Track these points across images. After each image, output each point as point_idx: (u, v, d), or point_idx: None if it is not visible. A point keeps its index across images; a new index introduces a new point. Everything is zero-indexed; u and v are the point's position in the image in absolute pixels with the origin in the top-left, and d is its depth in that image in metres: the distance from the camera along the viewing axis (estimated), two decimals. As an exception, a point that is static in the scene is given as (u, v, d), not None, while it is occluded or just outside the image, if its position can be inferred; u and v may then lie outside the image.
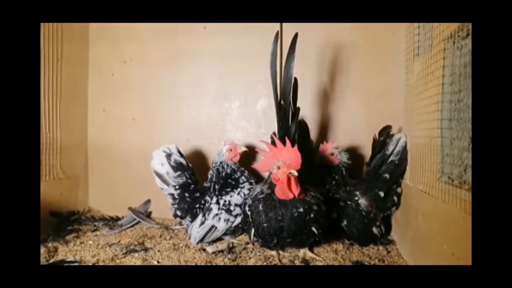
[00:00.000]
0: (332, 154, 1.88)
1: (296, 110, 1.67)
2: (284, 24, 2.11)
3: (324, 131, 2.15)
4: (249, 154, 2.22)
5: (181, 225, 2.09)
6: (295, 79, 1.63)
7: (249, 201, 1.63)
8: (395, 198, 1.74)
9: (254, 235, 1.63)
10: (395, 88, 1.92)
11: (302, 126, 1.95)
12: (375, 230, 1.77)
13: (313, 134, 2.10)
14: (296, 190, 1.47)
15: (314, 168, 1.89)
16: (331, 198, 1.78)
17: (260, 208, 1.53)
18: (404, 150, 1.71)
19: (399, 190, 1.75)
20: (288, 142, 1.48)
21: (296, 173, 1.42)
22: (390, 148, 1.75)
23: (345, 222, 1.77)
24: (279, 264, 1.58)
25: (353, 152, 2.05)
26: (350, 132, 2.11)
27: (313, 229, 1.53)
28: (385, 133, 1.78)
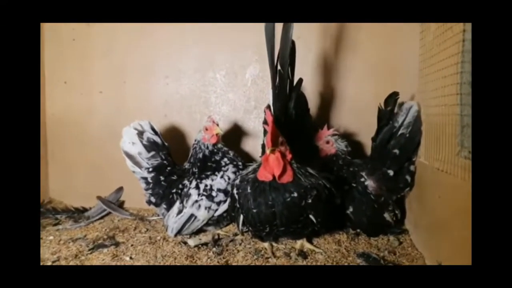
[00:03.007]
0: (328, 142, 1.87)
1: (299, 80, 1.72)
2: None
3: (326, 105, 2.13)
4: (236, 132, 2.23)
5: (158, 216, 2.08)
6: (292, 42, 1.60)
7: (237, 181, 1.60)
8: (408, 178, 1.71)
9: (243, 223, 1.61)
10: (408, 53, 1.88)
11: (301, 100, 1.91)
12: (387, 216, 1.74)
13: (314, 108, 2.08)
14: (277, 170, 1.43)
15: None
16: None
17: (248, 190, 1.51)
18: (417, 121, 1.68)
19: (412, 168, 1.72)
20: (268, 112, 1.49)
21: (268, 151, 1.39)
22: (400, 119, 1.71)
23: (351, 209, 1.74)
24: (272, 257, 1.56)
25: (359, 129, 2.07)
26: (357, 106, 2.08)
27: (311, 216, 1.51)
28: (392, 102, 1.74)
